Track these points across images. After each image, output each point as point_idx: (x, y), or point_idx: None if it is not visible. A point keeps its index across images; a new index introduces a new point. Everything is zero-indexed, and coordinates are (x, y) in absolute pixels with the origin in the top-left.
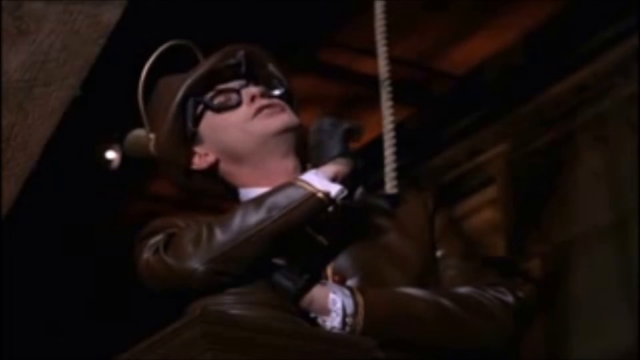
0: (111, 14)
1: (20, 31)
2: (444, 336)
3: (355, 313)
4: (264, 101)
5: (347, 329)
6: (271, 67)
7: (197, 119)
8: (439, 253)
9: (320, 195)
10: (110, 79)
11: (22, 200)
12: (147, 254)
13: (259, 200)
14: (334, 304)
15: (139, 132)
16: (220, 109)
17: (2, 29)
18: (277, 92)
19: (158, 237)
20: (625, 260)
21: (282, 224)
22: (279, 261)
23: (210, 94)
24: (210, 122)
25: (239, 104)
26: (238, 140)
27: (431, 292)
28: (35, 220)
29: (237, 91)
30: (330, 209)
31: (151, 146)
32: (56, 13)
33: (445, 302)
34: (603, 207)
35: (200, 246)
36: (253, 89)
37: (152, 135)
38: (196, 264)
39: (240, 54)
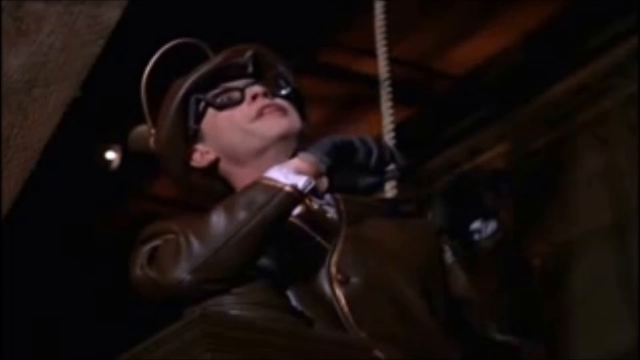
0: (111, 14)
1: (20, 32)
2: None
3: None
4: (266, 101)
5: None
6: (279, 68)
7: (200, 117)
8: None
9: (287, 189)
10: (110, 80)
11: (22, 200)
12: (134, 270)
13: (230, 203)
14: None
15: (141, 128)
16: (222, 107)
17: (2, 30)
18: (282, 92)
19: (146, 248)
20: (625, 260)
21: (258, 224)
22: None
23: (214, 92)
24: (212, 121)
25: (240, 102)
26: (238, 141)
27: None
28: (35, 220)
29: (241, 90)
30: (331, 214)
31: (151, 141)
32: (56, 13)
33: None
34: (603, 207)
35: (181, 257)
36: (256, 88)
37: (152, 131)
38: (181, 274)
39: (248, 53)
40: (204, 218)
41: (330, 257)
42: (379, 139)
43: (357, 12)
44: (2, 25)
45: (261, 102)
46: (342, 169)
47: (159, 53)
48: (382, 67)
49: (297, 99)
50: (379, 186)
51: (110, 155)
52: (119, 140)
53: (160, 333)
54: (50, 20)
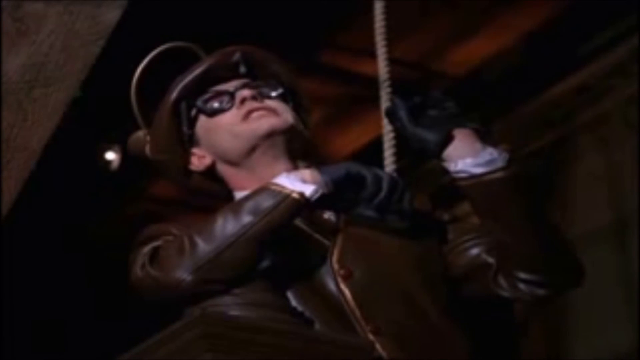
0: (111, 15)
1: (20, 32)
2: None
3: None
4: (255, 104)
5: None
6: (273, 67)
7: (192, 122)
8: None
9: (295, 195)
10: (110, 80)
11: (22, 200)
12: (135, 269)
13: (237, 206)
14: None
15: (139, 134)
16: (212, 113)
17: (2, 30)
18: (273, 93)
19: (147, 248)
20: (625, 260)
21: (263, 227)
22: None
23: (204, 96)
24: (204, 125)
25: (230, 107)
26: (228, 143)
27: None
28: (35, 220)
29: (232, 93)
30: (330, 216)
31: (147, 149)
32: (56, 14)
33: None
34: (603, 207)
35: (184, 256)
36: (245, 92)
37: (148, 138)
38: (183, 274)
39: (237, 54)
40: (209, 219)
41: (331, 254)
42: (397, 181)
43: (357, 12)
44: (2, 25)
45: (250, 105)
46: (346, 195)
47: (147, 59)
48: (382, 68)
49: (292, 98)
50: (374, 220)
51: (110, 155)
52: (119, 141)
53: (160, 333)
54: (50, 20)
